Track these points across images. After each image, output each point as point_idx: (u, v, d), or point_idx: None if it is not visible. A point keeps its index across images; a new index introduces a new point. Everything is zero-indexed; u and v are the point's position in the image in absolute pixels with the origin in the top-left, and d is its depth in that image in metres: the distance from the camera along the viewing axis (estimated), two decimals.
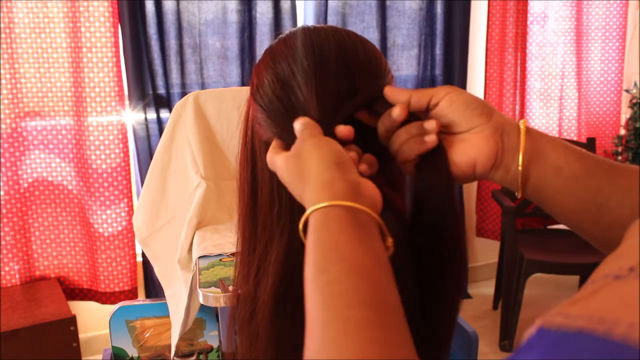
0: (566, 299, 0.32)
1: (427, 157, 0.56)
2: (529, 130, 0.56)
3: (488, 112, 0.56)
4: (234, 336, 0.65)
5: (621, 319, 0.27)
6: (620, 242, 0.53)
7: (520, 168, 0.55)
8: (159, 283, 1.56)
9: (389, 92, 0.57)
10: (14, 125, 2.21)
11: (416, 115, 0.57)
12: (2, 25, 2.13)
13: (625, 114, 3.12)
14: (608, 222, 0.55)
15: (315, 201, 0.48)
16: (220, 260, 1.32)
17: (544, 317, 0.30)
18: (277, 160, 0.55)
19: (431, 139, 0.55)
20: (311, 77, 0.57)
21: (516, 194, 0.57)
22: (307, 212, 0.48)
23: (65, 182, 2.34)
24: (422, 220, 0.56)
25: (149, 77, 2.37)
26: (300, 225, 0.49)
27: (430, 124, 0.56)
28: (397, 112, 0.56)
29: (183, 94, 2.34)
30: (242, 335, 0.63)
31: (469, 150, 0.55)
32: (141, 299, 1.90)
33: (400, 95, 0.56)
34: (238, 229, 0.66)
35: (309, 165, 0.51)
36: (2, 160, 2.20)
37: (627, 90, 3.05)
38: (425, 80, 2.85)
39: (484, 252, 3.19)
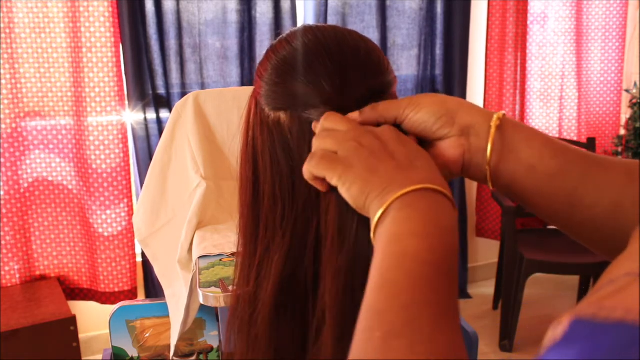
0: (584, 299, 0.32)
1: None
2: (503, 127, 0.55)
3: (450, 119, 0.55)
4: (233, 337, 0.65)
5: None
6: (611, 239, 0.53)
7: (487, 167, 0.55)
8: (159, 283, 1.56)
9: (354, 118, 0.56)
10: (14, 125, 2.21)
11: (400, 128, 0.57)
12: (2, 25, 2.13)
13: (625, 114, 3.12)
14: (581, 220, 0.54)
15: (421, 180, 0.48)
16: (221, 260, 1.32)
17: (573, 312, 0.30)
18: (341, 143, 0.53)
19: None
20: (311, 74, 0.57)
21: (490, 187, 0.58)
22: (430, 185, 0.48)
23: (65, 182, 2.34)
24: None
25: (149, 77, 2.37)
26: (393, 199, 0.48)
27: None
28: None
29: (183, 94, 2.34)
30: (242, 336, 0.63)
31: (437, 157, 0.56)
32: (141, 299, 1.90)
33: (366, 117, 0.56)
34: (239, 229, 0.65)
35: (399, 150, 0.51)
36: (2, 160, 2.20)
37: (627, 90, 3.05)
38: (425, 80, 2.85)
39: (484, 252, 3.19)
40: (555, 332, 0.30)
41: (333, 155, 0.52)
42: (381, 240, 0.46)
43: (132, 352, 1.46)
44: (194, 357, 1.49)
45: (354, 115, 0.56)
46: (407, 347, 0.38)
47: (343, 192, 0.51)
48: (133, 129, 2.38)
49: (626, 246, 0.38)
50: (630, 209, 0.52)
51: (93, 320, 2.47)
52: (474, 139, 0.55)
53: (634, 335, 0.26)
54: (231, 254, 1.34)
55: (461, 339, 0.41)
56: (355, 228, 0.54)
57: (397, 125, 0.56)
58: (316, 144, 0.54)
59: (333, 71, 0.57)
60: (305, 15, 2.63)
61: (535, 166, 0.54)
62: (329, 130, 0.54)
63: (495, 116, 0.55)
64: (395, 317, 0.40)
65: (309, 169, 0.53)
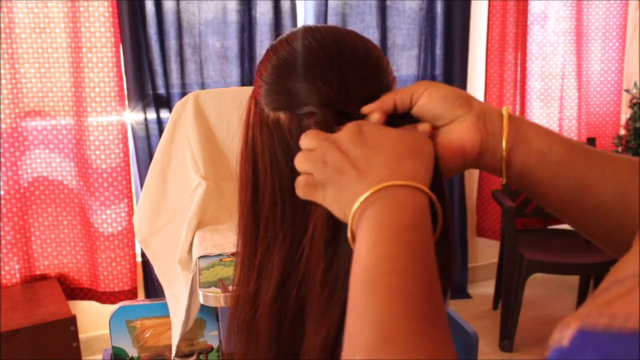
0: (590, 300, 0.31)
1: None
2: (512, 116, 0.56)
3: (467, 102, 0.56)
4: (232, 337, 0.65)
5: None
6: (617, 236, 0.54)
7: (504, 153, 0.55)
8: (159, 283, 1.56)
9: (369, 109, 0.56)
10: (14, 125, 2.21)
11: (409, 115, 0.57)
12: (2, 25, 2.13)
13: (625, 114, 3.12)
14: (591, 208, 0.55)
15: (394, 176, 0.47)
16: (221, 260, 1.32)
17: (580, 318, 0.29)
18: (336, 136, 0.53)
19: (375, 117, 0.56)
20: (310, 75, 0.57)
21: (502, 179, 0.57)
22: (384, 184, 0.47)
23: (65, 182, 2.34)
24: None
25: (149, 77, 2.37)
26: (367, 194, 0.47)
27: (424, 127, 0.56)
28: (375, 118, 0.56)
29: (183, 94, 2.34)
30: (241, 336, 0.63)
31: (455, 141, 0.56)
32: (141, 299, 1.90)
33: (384, 107, 0.56)
34: (238, 229, 0.65)
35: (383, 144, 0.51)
36: (2, 160, 2.20)
37: (627, 90, 3.05)
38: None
39: (484, 252, 3.19)
40: (562, 335, 0.29)
41: (312, 179, 0.53)
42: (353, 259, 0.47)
43: (132, 352, 1.46)
44: (194, 357, 1.49)
45: (369, 107, 0.56)
46: None
47: (332, 212, 0.52)
48: (133, 129, 2.38)
49: (632, 243, 0.38)
50: (634, 198, 0.53)
51: (93, 320, 2.48)
52: (490, 124, 0.56)
53: None
54: (231, 254, 1.34)
55: (447, 337, 0.40)
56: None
57: (407, 115, 0.57)
58: (297, 166, 0.54)
59: (332, 72, 0.57)
60: (305, 15, 2.63)
61: (545, 153, 0.55)
62: (305, 151, 0.54)
63: (504, 107, 0.56)
64: (371, 338, 0.39)
65: (299, 194, 0.54)
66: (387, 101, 0.56)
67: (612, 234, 0.55)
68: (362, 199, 0.47)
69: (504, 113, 0.56)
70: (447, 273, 0.55)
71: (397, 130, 0.53)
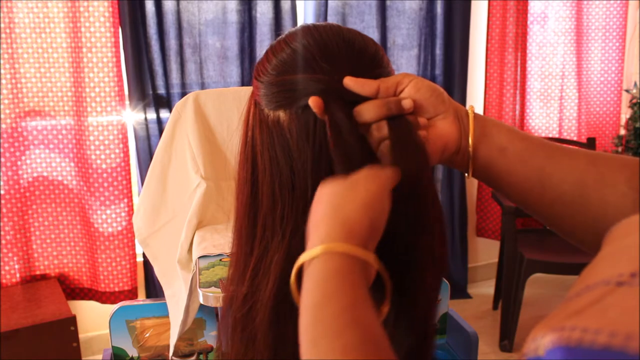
0: (562, 306, 0.31)
1: (399, 133, 0.56)
2: (476, 115, 0.60)
3: (447, 98, 0.59)
4: (225, 336, 0.65)
5: None
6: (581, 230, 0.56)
7: (470, 149, 0.58)
8: (159, 283, 1.56)
9: (352, 82, 0.57)
10: (14, 125, 2.21)
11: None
12: (2, 25, 2.13)
13: (625, 114, 3.12)
14: (552, 198, 0.57)
15: (330, 239, 0.48)
16: (220, 260, 1.32)
17: (554, 328, 0.29)
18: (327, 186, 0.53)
19: (424, 134, 0.57)
20: (310, 74, 0.57)
21: (465, 175, 0.60)
22: (316, 251, 0.48)
23: (65, 182, 2.34)
24: (402, 199, 0.54)
25: (149, 77, 2.37)
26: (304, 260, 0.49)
27: (421, 120, 0.58)
28: (407, 103, 0.57)
29: (183, 94, 2.34)
30: (238, 336, 0.63)
31: (438, 137, 0.58)
32: (141, 299, 1.90)
33: (366, 87, 0.57)
34: (234, 230, 0.65)
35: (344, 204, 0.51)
36: (3, 159, 2.20)
37: (627, 90, 3.05)
38: None
39: (484, 252, 3.19)
40: (538, 345, 0.30)
41: None
42: None
43: (132, 352, 1.46)
44: (194, 357, 1.49)
45: (352, 80, 0.57)
46: None
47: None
48: (133, 129, 2.38)
49: (601, 243, 0.38)
50: (593, 187, 0.55)
51: (93, 320, 2.48)
52: (462, 122, 0.59)
53: None
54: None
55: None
56: None
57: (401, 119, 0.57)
58: None
59: (328, 62, 0.58)
60: (305, 15, 2.63)
61: (506, 148, 0.58)
62: None
63: (467, 105, 0.58)
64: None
65: None
66: (370, 83, 0.57)
67: (577, 228, 0.57)
68: (298, 265, 0.49)
69: (470, 110, 0.59)
70: (442, 250, 0.56)
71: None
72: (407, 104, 0.57)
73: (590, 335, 0.28)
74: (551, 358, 0.29)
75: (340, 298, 0.44)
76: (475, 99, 2.99)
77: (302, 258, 0.48)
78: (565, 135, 3.01)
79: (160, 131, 2.39)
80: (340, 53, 0.58)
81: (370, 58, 0.60)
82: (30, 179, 2.29)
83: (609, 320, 0.28)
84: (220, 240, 1.41)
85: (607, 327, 0.28)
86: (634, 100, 2.97)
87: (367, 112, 0.57)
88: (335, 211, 0.49)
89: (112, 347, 1.45)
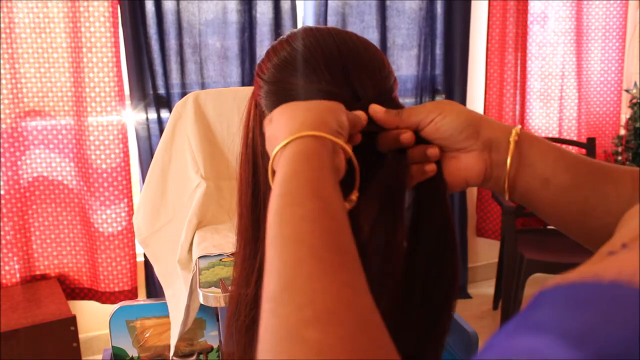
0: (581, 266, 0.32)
1: (426, 182, 0.57)
2: (520, 141, 0.57)
3: (475, 132, 0.57)
4: (231, 337, 0.65)
5: (635, 274, 0.27)
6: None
7: (506, 184, 0.57)
8: (159, 283, 1.56)
9: (375, 111, 0.57)
10: (14, 125, 2.21)
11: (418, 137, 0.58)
12: (2, 25, 2.13)
13: (625, 114, 3.12)
14: (594, 228, 0.56)
15: (295, 131, 0.49)
16: (220, 260, 1.32)
17: (551, 281, 0.30)
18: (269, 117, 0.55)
19: (431, 169, 0.57)
20: (311, 75, 0.57)
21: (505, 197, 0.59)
22: (285, 141, 0.49)
23: (65, 182, 2.34)
24: (420, 235, 0.56)
25: (149, 77, 2.37)
26: (273, 155, 0.50)
27: (433, 152, 0.57)
28: (407, 138, 0.57)
29: (183, 94, 2.34)
30: (243, 338, 0.63)
31: (459, 170, 0.58)
32: (141, 299, 1.90)
33: (388, 118, 0.57)
34: (237, 230, 0.65)
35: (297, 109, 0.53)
36: (2, 160, 2.20)
37: (627, 90, 3.05)
38: (425, 80, 2.85)
39: (484, 252, 3.19)
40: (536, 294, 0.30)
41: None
42: None
43: (132, 352, 1.46)
44: (194, 357, 1.49)
45: (378, 108, 0.57)
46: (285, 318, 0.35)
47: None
48: (134, 129, 2.38)
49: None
50: None
51: (93, 320, 2.48)
52: (495, 153, 0.57)
53: (629, 296, 0.26)
54: (231, 254, 1.34)
55: (354, 275, 0.38)
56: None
57: (417, 134, 0.57)
58: None
59: (334, 72, 0.57)
60: (305, 15, 2.63)
61: (549, 179, 0.56)
62: None
63: (513, 131, 0.57)
64: (273, 288, 0.37)
65: None
66: (393, 119, 0.57)
67: None
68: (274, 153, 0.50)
69: (512, 140, 0.56)
70: (453, 280, 0.55)
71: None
72: (405, 138, 0.56)
73: (583, 275, 0.28)
74: (550, 295, 0.29)
75: (305, 172, 0.45)
76: (475, 99, 2.99)
77: (275, 150, 0.49)
78: (565, 136, 3.01)
79: (161, 131, 2.39)
80: (346, 60, 0.58)
81: (377, 65, 0.60)
82: (30, 179, 2.29)
83: (621, 265, 0.29)
84: (221, 240, 1.41)
85: (596, 271, 0.28)
86: (634, 100, 2.97)
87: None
88: (295, 115, 0.51)
89: (112, 347, 1.46)
